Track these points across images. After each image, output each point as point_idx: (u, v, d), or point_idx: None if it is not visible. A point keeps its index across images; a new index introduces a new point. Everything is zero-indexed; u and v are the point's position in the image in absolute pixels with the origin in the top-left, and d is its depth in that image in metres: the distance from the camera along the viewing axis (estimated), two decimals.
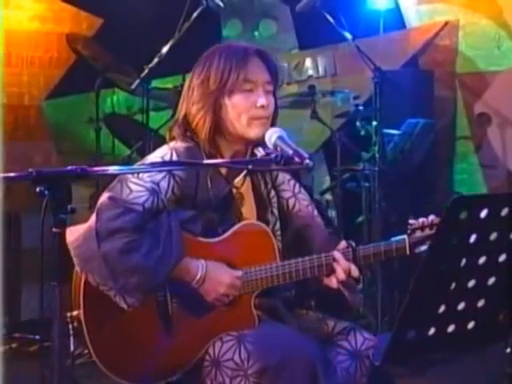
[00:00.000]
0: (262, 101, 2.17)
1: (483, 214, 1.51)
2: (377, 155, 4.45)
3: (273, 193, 2.34)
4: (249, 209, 2.28)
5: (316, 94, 4.49)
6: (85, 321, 2.07)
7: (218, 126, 2.20)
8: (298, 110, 4.94)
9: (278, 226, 2.32)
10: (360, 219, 4.72)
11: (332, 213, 4.76)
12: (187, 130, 2.23)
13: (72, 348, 2.04)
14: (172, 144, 2.22)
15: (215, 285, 2.11)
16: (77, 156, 5.34)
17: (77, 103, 5.56)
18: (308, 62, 5.92)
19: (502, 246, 1.58)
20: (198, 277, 2.09)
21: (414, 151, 5.01)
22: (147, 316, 2.10)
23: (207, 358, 2.12)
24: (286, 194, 2.35)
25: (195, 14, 4.45)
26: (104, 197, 2.09)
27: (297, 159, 2.01)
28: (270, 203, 2.32)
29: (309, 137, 5.71)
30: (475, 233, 1.53)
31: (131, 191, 2.09)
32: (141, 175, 2.10)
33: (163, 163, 2.09)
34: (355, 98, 4.69)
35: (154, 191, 2.10)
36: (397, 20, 5.90)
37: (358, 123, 4.69)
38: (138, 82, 4.17)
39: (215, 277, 2.11)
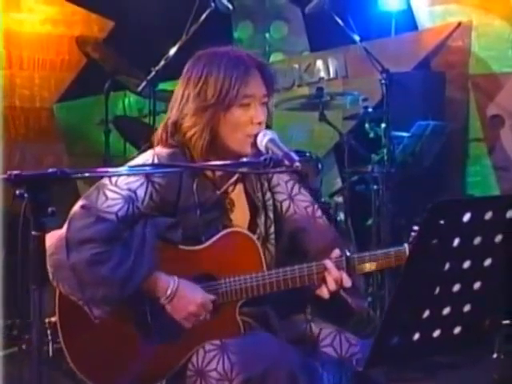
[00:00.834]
0: (259, 117, 2.12)
1: (466, 217, 1.49)
2: (385, 157, 4.43)
3: (268, 195, 2.28)
4: (240, 214, 2.24)
5: (324, 97, 4.46)
6: (60, 328, 2.05)
7: (214, 141, 2.14)
8: (309, 112, 4.92)
9: (272, 229, 2.27)
10: (369, 222, 4.69)
11: (341, 215, 4.73)
12: (173, 136, 2.17)
13: (51, 353, 2.03)
14: (156, 149, 2.17)
15: (185, 303, 2.05)
16: (88, 158, 5.37)
17: (88, 105, 5.59)
18: (319, 64, 5.90)
19: (487, 250, 1.56)
20: (168, 293, 2.04)
21: (424, 153, 4.96)
22: (124, 324, 2.06)
23: (190, 367, 2.07)
24: (281, 197, 2.30)
25: (203, 16, 4.45)
26: (77, 205, 2.06)
27: (286, 162, 1.99)
28: (265, 206, 2.27)
29: (320, 139, 5.70)
30: (458, 237, 1.51)
31: (107, 199, 2.05)
32: (119, 182, 2.06)
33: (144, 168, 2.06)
34: (364, 100, 4.66)
35: (130, 199, 2.06)
36: (409, 21, 5.86)
37: (367, 125, 4.66)
38: (144, 84, 4.18)
39: (185, 295, 2.05)
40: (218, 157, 2.15)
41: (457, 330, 1.64)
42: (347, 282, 2.09)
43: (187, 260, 2.10)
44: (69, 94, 5.61)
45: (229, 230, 2.15)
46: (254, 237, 2.17)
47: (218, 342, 2.08)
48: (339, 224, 4.58)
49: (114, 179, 2.07)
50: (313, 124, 5.37)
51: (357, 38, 4.43)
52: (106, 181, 2.07)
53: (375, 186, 4.57)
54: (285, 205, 2.29)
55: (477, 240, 1.53)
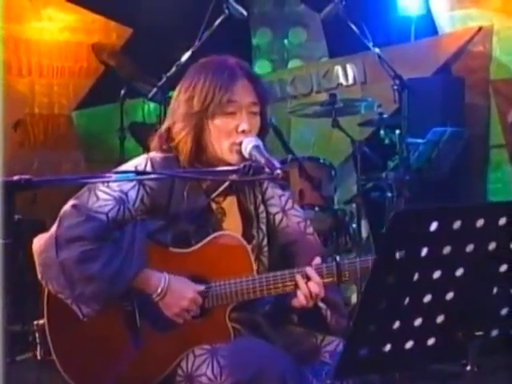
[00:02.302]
0: (243, 126, 2.11)
1: (433, 227, 1.45)
2: (400, 164, 4.38)
3: (261, 208, 2.28)
4: (233, 224, 2.22)
5: (337, 103, 4.42)
6: (49, 330, 2.05)
7: (200, 148, 2.15)
8: (327, 118, 4.89)
9: (265, 241, 2.26)
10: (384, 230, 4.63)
11: (354, 223, 4.68)
12: (167, 142, 2.18)
13: (39, 357, 2.03)
14: (150, 154, 2.19)
15: (177, 299, 2.04)
16: (105, 164, 5.40)
17: (106, 112, 5.63)
18: (337, 70, 5.86)
19: (457, 260, 1.52)
20: (160, 290, 2.04)
21: (441, 160, 4.90)
22: (113, 327, 2.06)
23: (180, 372, 2.07)
24: (274, 209, 2.28)
25: (217, 23, 4.46)
26: (68, 204, 2.08)
27: (267, 169, 1.97)
28: (257, 218, 2.26)
29: (338, 145, 5.66)
30: (426, 246, 1.47)
31: (98, 199, 2.07)
32: (111, 183, 2.07)
33: (132, 172, 2.06)
34: (378, 106, 4.62)
35: (121, 200, 2.07)
36: (429, 26, 5.80)
37: (382, 132, 4.61)
38: (155, 90, 4.19)
39: (177, 291, 2.05)
40: (204, 164, 2.16)
41: (431, 341, 1.60)
42: (319, 291, 2.06)
43: (177, 262, 2.11)
44: (87, 101, 5.66)
45: (219, 232, 2.15)
46: (244, 241, 2.16)
47: (208, 346, 2.08)
48: (352, 231, 4.53)
49: None
50: (331, 130, 5.33)
51: (371, 44, 4.38)
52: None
53: (389, 193, 4.52)
54: (278, 217, 2.29)
55: (446, 250, 1.49)
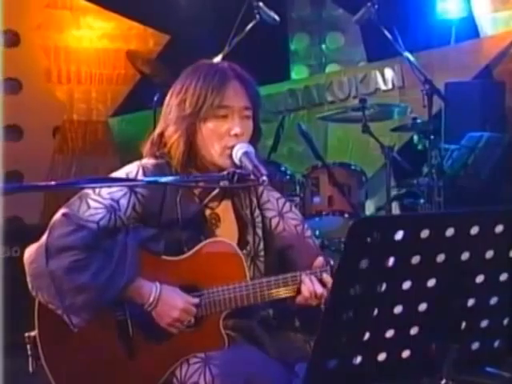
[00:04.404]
0: (236, 129, 2.08)
1: (398, 236, 1.40)
2: (433, 170, 4.29)
3: (257, 212, 2.25)
4: (227, 230, 2.19)
5: (368, 108, 4.36)
6: (40, 342, 2.04)
7: (192, 151, 2.13)
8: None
9: (261, 246, 2.23)
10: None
11: None
12: (159, 149, 2.17)
13: (31, 369, 2.03)
14: (142, 161, 2.17)
15: (168, 309, 2.02)
16: None
17: (142, 119, 5.67)
18: (375, 75, 5.79)
19: (428, 270, 1.46)
20: (151, 299, 2.01)
21: (479, 166, 4.79)
22: (106, 337, 2.04)
23: (174, 381, 2.05)
24: (270, 213, 2.25)
25: (248, 28, 4.46)
26: (59, 213, 2.06)
27: (253, 176, 1.94)
28: (253, 223, 2.23)
29: (376, 152, 5.57)
30: (393, 256, 1.42)
31: (89, 207, 2.05)
32: (102, 191, 2.06)
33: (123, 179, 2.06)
34: (411, 111, 4.54)
35: (112, 208, 2.05)
36: (470, 29, 5.68)
37: (415, 137, 4.53)
38: None
39: (169, 301, 2.02)
40: (196, 168, 2.14)
41: (405, 353, 1.55)
42: (319, 289, 2.04)
43: (169, 270, 2.08)
44: (124, 107, 5.73)
45: (211, 239, 2.12)
46: (237, 247, 2.14)
47: (202, 354, 2.06)
48: None
49: (97, 188, 2.08)
50: (369, 136, 5.27)
51: (401, 49, 4.30)
52: (89, 190, 2.07)
53: (422, 200, 4.44)
54: (274, 221, 2.26)
55: (415, 259, 1.44)
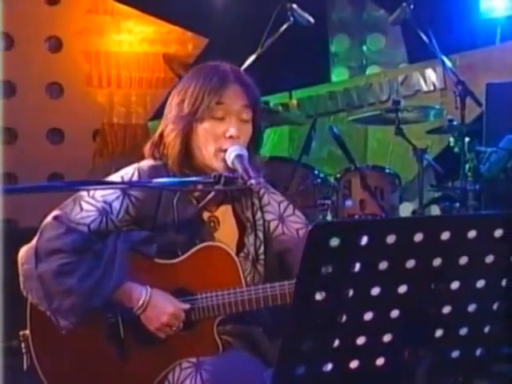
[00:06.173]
0: (232, 131, 2.07)
1: (363, 241, 1.36)
2: (469, 173, 4.19)
3: (259, 214, 2.22)
4: (227, 233, 2.17)
5: (401, 110, 4.27)
6: (32, 341, 2.05)
7: (188, 152, 2.12)
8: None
9: (262, 249, 2.20)
10: None
11: None
12: (159, 149, 2.16)
13: (25, 366, 2.05)
14: (141, 163, 2.17)
15: (157, 313, 2.01)
16: None
17: None
18: (416, 76, 5.68)
19: (397, 276, 1.41)
20: (141, 303, 2.00)
21: None
22: (97, 339, 2.04)
23: None
24: (269, 216, 2.22)
25: (281, 30, 4.45)
26: (50, 216, 2.07)
27: (241, 179, 1.92)
28: (255, 226, 2.21)
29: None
30: (359, 261, 1.38)
31: (81, 210, 2.06)
32: (96, 194, 2.07)
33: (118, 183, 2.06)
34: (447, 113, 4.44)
35: (104, 211, 2.05)
36: None
37: (451, 139, 4.42)
38: None
39: (158, 305, 2.01)
40: (191, 170, 2.12)
41: (379, 361, 1.50)
42: None
43: (162, 274, 2.07)
44: (163, 110, 5.75)
45: (206, 243, 2.10)
46: (233, 252, 2.11)
47: (194, 359, 2.04)
48: None
49: (91, 191, 2.08)
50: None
51: (436, 50, 4.22)
52: (83, 192, 2.08)
53: (457, 204, 4.33)
54: (272, 225, 2.22)
55: (383, 265, 1.39)
